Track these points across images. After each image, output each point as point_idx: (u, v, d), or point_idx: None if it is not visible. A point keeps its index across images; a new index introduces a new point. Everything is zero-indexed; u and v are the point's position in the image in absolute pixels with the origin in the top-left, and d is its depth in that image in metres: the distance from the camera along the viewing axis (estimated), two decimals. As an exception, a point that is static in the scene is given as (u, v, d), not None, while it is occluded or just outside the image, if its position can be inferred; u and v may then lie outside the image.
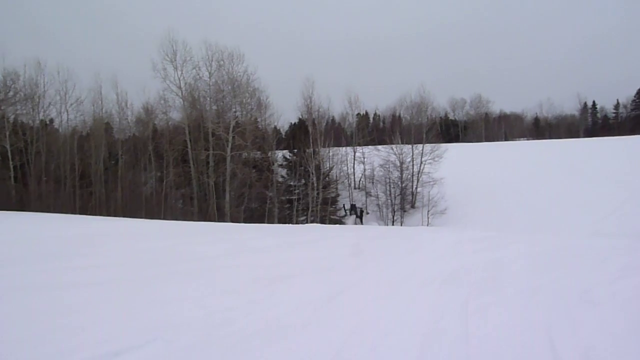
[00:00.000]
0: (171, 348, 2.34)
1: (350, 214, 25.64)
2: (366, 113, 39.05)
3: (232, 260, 5.42)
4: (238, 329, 2.69)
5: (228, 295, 3.56)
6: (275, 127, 28.60)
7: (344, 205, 27.54)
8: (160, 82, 25.51)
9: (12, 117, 24.16)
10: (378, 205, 27.28)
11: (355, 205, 25.89)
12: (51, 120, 25.83)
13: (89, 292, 3.54)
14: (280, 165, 27.84)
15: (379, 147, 28.85)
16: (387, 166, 27.25)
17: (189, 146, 25.26)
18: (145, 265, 4.83)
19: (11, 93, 24.12)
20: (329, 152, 27.34)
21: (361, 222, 24.03)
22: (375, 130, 36.38)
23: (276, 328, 2.76)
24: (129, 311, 3.05)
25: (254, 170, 26.30)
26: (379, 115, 44.72)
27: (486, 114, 57.41)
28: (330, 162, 27.62)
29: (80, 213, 21.99)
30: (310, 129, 26.31)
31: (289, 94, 48.13)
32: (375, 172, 28.34)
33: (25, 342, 2.38)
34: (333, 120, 33.43)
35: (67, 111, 24.96)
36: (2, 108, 24.04)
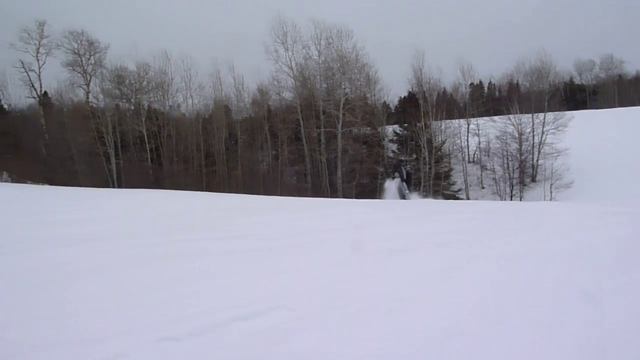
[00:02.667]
0: (294, 315, 2.69)
1: (393, 177, 21.71)
2: (480, 82, 40.74)
3: (344, 234, 6.02)
4: (354, 301, 2.97)
5: (342, 268, 3.97)
6: (384, 102, 32.03)
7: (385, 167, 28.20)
8: (273, 63, 30.17)
9: (146, 104, 30.40)
10: (494, 179, 29.57)
11: (400, 164, 23.51)
12: (178, 106, 31.84)
13: (217, 261, 4.28)
14: (391, 141, 31.23)
15: (495, 117, 30.96)
16: (504, 138, 29.33)
17: (301, 124, 29.63)
18: (263, 238, 5.61)
19: (144, 83, 30.35)
20: (440, 125, 30.12)
21: (407, 189, 20.73)
22: (490, 100, 38.09)
23: (392, 301, 2.98)
24: (252, 280, 3.57)
25: (364, 146, 30.04)
26: (494, 84, 46.04)
27: (619, 76, 55.45)
28: (443, 136, 30.41)
29: (206, 190, 27.31)
30: (420, 101, 29.27)
31: (397, 66, 51.50)
32: (491, 145, 30.59)
33: (161, 304, 2.89)
34: (444, 91, 35.91)
35: (192, 96, 30.78)
36: (138, 97, 30.38)
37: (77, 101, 30.37)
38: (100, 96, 30.04)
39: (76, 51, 29.80)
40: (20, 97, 31.79)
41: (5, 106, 32.18)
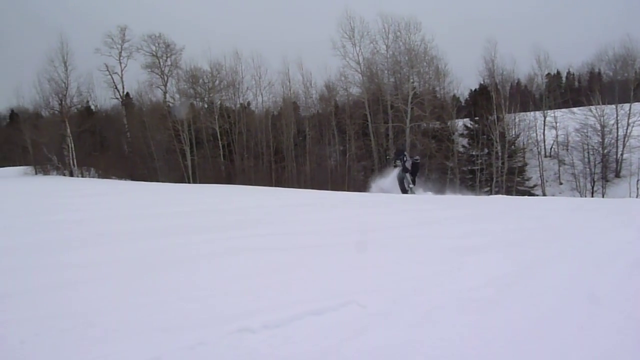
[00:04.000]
0: (366, 312, 2.86)
1: (395, 165, 19.28)
2: (557, 72, 40.42)
3: (416, 230, 6.17)
4: (427, 299, 3.10)
5: (415, 265, 4.10)
6: (454, 95, 33.08)
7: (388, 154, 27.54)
8: (340, 59, 32.20)
9: (219, 102, 33.58)
10: (574, 174, 29.82)
11: (402, 150, 19.91)
12: (248, 103, 34.79)
13: (289, 255, 4.56)
14: (461, 135, 32.30)
15: (574, 109, 31.11)
16: (585, 130, 29.48)
17: (369, 120, 31.42)
18: (333, 234, 5.85)
19: (217, 82, 33.54)
20: (514, 118, 30.75)
21: (412, 183, 18.17)
22: (568, 90, 37.96)
23: (467, 301, 3.07)
24: (324, 275, 3.79)
25: (433, 141, 31.34)
26: (572, 74, 45.30)
27: None
28: (517, 129, 31.04)
29: (276, 185, 29.78)
30: (493, 94, 30.09)
31: (468, 58, 52.23)
32: (569, 138, 30.83)
33: (238, 296, 3.21)
34: (519, 83, 36.26)
35: (262, 94, 33.56)
36: (211, 95, 33.63)
37: (155, 101, 34.11)
38: (177, 96, 33.61)
39: (154, 53, 33.52)
40: (105, 99, 36.15)
41: (93, 107, 36.70)
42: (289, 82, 33.37)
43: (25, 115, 34.47)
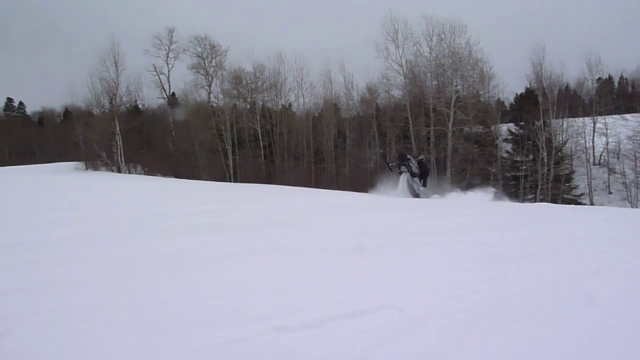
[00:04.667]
0: (402, 316, 2.91)
1: (400, 172, 16.98)
2: (609, 77, 39.45)
3: (456, 236, 6.08)
4: (465, 306, 3.11)
5: (454, 271, 4.10)
6: (499, 99, 33.10)
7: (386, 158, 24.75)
8: (383, 61, 32.73)
9: (261, 103, 34.83)
10: (624, 184, 29.28)
11: (405, 155, 17.49)
12: (290, 104, 35.92)
13: (327, 256, 4.67)
14: (505, 140, 32.21)
15: (627, 115, 30.40)
16: (638, 138, 28.94)
17: (410, 123, 31.88)
18: (371, 236, 5.89)
19: (260, 83, 34.78)
20: (562, 123, 30.43)
21: (422, 185, 16.53)
22: (621, 96, 37.16)
23: (505, 310, 3.08)
24: (362, 278, 3.88)
25: (475, 146, 31.44)
26: (625, 79, 44.11)
27: None
28: (564, 135, 30.73)
29: (315, 187, 30.62)
30: (540, 98, 29.91)
31: (514, 61, 51.73)
32: (621, 146, 30.30)
33: (277, 294, 3.34)
34: (567, 87, 35.85)
35: (303, 95, 34.61)
36: (253, 96, 34.92)
37: (200, 101, 35.72)
38: (220, 96, 35.08)
39: (200, 55, 35.12)
40: (152, 98, 38.13)
41: (140, 106, 38.74)
42: (331, 83, 34.29)
43: (77, 113, 36.82)
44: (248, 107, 35.23)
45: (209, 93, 35.26)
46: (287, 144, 33.74)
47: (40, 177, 25.69)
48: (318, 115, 34.87)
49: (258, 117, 33.72)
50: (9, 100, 55.39)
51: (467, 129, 31.74)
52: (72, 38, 74.46)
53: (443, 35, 31.47)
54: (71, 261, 4.49)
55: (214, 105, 35.13)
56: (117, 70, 32.69)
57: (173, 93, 37.67)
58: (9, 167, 36.25)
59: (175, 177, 31.26)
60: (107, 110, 33.80)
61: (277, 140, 33.93)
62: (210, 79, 35.15)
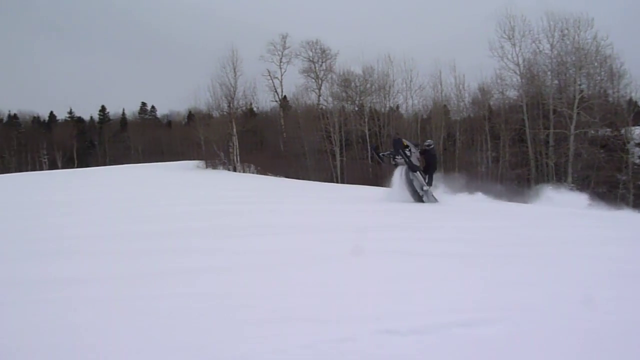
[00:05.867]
0: (519, 330, 2.84)
1: (394, 162, 13.92)
2: None
3: (575, 249, 5.88)
4: (596, 327, 2.95)
5: (578, 286, 3.96)
6: (630, 99, 30.97)
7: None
8: (497, 60, 32.29)
9: (369, 105, 36.24)
10: None
11: (400, 140, 13.68)
12: (397, 107, 36.96)
13: (438, 262, 4.75)
14: (638, 144, 30.16)
15: None
16: None
17: (526, 125, 31.11)
18: (484, 244, 5.89)
19: (368, 85, 36.20)
20: None
21: (425, 184, 12.76)
22: None
23: (634, 335, 2.94)
24: (475, 286, 3.83)
25: (602, 150, 29.76)
26: None
27: None
28: None
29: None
30: (682, 98, 27.57)
31: None
32: None
33: (388, 297, 3.41)
34: None
35: (412, 97, 35.41)
36: (361, 98, 36.45)
37: (310, 103, 38.14)
38: (330, 99, 37.14)
39: (311, 59, 37.50)
40: (266, 101, 41.56)
41: (255, 109, 42.37)
42: (441, 84, 34.63)
43: (199, 116, 41.29)
44: (356, 109, 36.82)
45: (319, 96, 37.50)
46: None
47: (172, 173, 29.78)
48: (426, 117, 35.36)
49: (366, 119, 35.16)
50: (143, 104, 64.93)
51: (593, 131, 30.14)
52: (197, 47, 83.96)
53: (566, 30, 30.26)
54: (199, 251, 5.29)
55: (323, 107, 37.23)
56: (235, 76, 36.20)
57: (285, 96, 40.64)
58: (142, 163, 41.82)
59: (285, 177, 33.84)
60: (225, 112, 37.46)
61: (384, 142, 35.05)
62: (320, 82, 37.36)
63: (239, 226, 7.50)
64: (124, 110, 64.57)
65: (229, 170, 36.95)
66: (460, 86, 34.49)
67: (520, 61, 31.80)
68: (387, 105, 36.19)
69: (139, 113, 64.28)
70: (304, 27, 70.20)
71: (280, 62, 38.84)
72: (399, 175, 13.02)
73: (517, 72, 31.99)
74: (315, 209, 10.37)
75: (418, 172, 12.61)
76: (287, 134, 38.70)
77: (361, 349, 2.58)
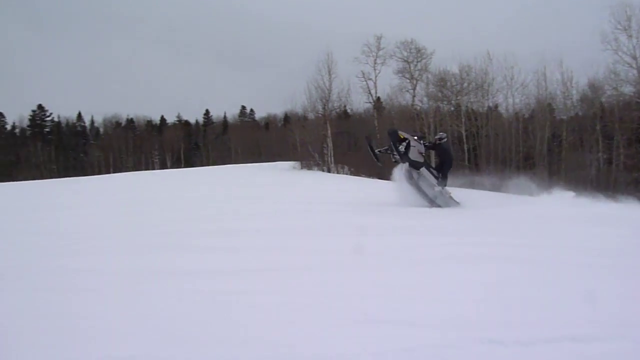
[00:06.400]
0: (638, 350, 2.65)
1: (394, 159, 11.84)
2: None
3: None
4: None
5: None
6: None
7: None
8: (611, 54, 30.16)
9: (466, 105, 35.54)
10: None
11: (396, 132, 11.78)
12: (496, 106, 35.88)
13: (548, 269, 4.60)
14: None
15: None
16: None
17: (645, 124, 28.76)
18: (599, 254, 5.59)
19: (465, 84, 35.51)
20: None
21: (438, 182, 11.32)
22: None
23: None
24: (596, 299, 3.54)
25: None
26: None
27: None
28: None
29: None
30: None
31: None
32: None
33: (489, 305, 3.34)
34: None
35: (513, 95, 34.16)
36: (458, 98, 35.84)
37: (404, 104, 38.18)
38: (425, 99, 36.96)
39: (406, 59, 37.51)
40: (359, 103, 42.13)
41: (349, 111, 43.38)
42: (545, 81, 33.03)
43: (295, 118, 43.10)
44: (452, 109, 36.28)
45: (413, 96, 37.42)
46: (494, 148, 33.71)
47: (269, 173, 31.69)
48: (529, 117, 33.91)
49: (463, 120, 34.55)
50: (243, 108, 70.45)
51: None
52: (294, 53, 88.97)
53: (698, 17, 27.50)
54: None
55: (418, 108, 37.16)
56: (330, 78, 37.32)
57: (378, 97, 41.04)
58: (242, 164, 44.64)
59: (378, 178, 34.27)
60: (320, 114, 38.73)
61: (482, 143, 34.23)
62: (414, 82, 37.26)
63: (346, 224, 7.93)
64: (225, 113, 70.19)
65: (322, 171, 38.13)
66: (568, 83, 32.65)
67: (638, 54, 29.37)
68: (486, 105, 35.26)
69: (239, 116, 69.17)
70: (399, 27, 70.36)
71: (375, 63, 39.25)
72: (399, 173, 11.29)
73: (634, 65, 29.59)
74: (416, 210, 10.32)
75: (425, 168, 11.13)
76: (380, 135, 39.08)
77: (462, 357, 2.55)
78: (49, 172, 52.86)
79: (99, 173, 50.61)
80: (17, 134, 61.17)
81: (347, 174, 38.23)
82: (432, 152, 15.41)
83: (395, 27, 66.06)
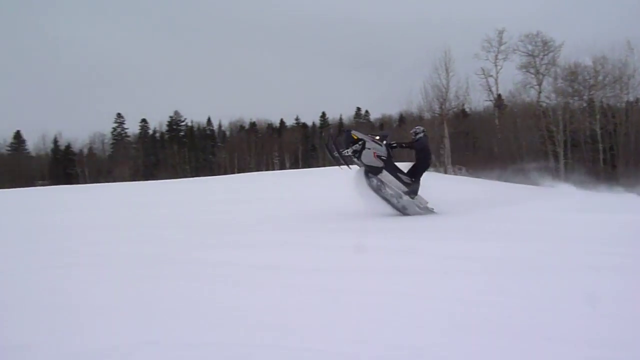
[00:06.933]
0: None
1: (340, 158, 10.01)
2: None
3: None
4: None
5: None
6: None
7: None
8: None
9: (601, 100, 32.70)
10: None
11: (348, 133, 10.18)
12: (637, 100, 32.53)
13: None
14: None
15: None
16: None
17: None
18: None
19: (600, 77, 32.66)
20: None
21: (408, 187, 9.95)
22: None
23: None
24: None
25: None
26: None
27: None
28: None
29: None
30: None
31: None
32: None
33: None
34: None
35: (657, 89, 30.73)
36: (591, 93, 33.09)
37: (528, 101, 36.18)
38: (552, 95, 34.67)
39: (530, 53, 35.52)
40: (479, 101, 40.76)
41: (467, 109, 42.19)
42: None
43: (410, 118, 42.98)
44: (584, 105, 33.61)
45: (539, 92, 35.30)
46: (635, 147, 30.66)
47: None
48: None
49: (597, 116, 31.92)
50: (358, 109, 73.33)
51: None
52: (410, 52, 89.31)
53: None
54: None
55: (544, 105, 35.01)
56: (447, 76, 36.63)
57: (499, 95, 39.35)
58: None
59: (498, 180, 32.90)
60: (437, 114, 38.21)
61: (620, 142, 31.29)
62: (541, 77, 35.15)
63: (476, 228, 7.83)
64: (341, 115, 71.92)
65: (438, 172, 37.62)
66: None
67: None
68: (625, 99, 32.11)
69: (354, 117, 70.54)
70: (523, 20, 65.74)
71: (496, 58, 37.64)
72: (362, 184, 9.97)
73: None
74: (545, 216, 9.54)
75: (389, 173, 9.84)
76: (501, 135, 37.50)
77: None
78: (183, 172, 58.91)
79: (225, 173, 55.15)
80: (157, 138, 68.88)
81: (465, 175, 37.28)
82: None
83: (519, 19, 62.27)
